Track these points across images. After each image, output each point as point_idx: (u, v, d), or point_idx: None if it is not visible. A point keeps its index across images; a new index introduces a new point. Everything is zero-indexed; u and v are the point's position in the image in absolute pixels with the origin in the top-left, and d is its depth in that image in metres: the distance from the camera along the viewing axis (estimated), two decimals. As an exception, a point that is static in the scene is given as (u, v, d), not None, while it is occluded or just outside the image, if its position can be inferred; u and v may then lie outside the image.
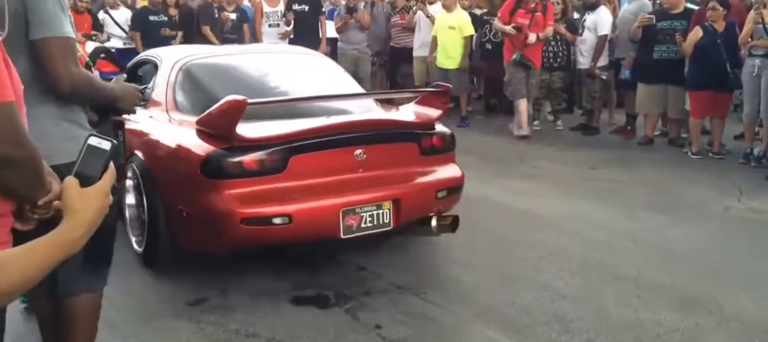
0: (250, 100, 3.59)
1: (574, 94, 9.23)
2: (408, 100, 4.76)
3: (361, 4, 10.04)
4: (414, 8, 9.62)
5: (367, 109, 4.50)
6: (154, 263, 4.16)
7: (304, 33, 9.31)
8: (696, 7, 7.61)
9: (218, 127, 3.72)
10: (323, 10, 9.77)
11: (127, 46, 9.11)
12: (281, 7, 9.74)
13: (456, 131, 8.28)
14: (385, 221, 3.88)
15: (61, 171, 1.37)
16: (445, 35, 8.82)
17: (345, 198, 3.76)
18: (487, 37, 9.22)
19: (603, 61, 8.15)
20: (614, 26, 8.19)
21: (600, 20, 8.03)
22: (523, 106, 8.11)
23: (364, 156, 3.87)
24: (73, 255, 1.26)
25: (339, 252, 4.41)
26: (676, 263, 4.26)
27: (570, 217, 5.19)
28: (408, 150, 4.07)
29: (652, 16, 7.49)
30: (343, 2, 10.36)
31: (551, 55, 8.35)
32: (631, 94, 7.96)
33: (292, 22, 9.43)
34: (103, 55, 6.86)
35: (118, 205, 2.52)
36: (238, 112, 3.58)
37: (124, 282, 3.83)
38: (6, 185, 1.54)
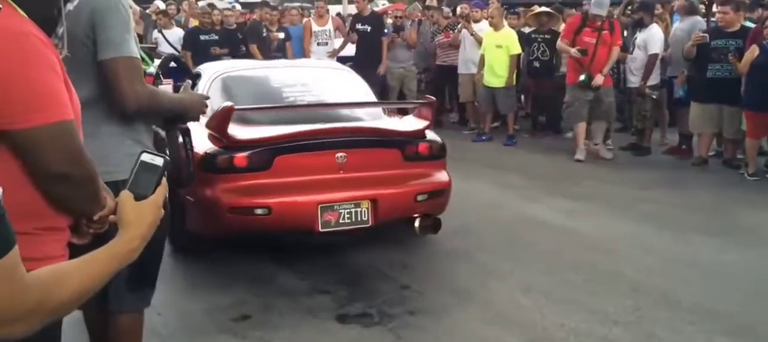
0: (237, 107, 4.18)
1: (624, 113, 9.07)
2: (410, 111, 5.16)
3: (408, 23, 10.08)
4: (459, 26, 9.64)
5: (371, 117, 4.81)
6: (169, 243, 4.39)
7: (366, 52, 9.54)
8: (752, 25, 7.39)
9: (215, 129, 4.20)
10: (385, 30, 9.94)
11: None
12: (330, 26, 9.93)
13: (503, 150, 8.43)
14: (364, 219, 4.25)
15: (120, 187, 1.40)
16: (492, 54, 8.78)
17: (324, 195, 4.19)
18: (534, 56, 9.13)
19: (654, 79, 7.95)
20: (666, 44, 8.01)
21: (651, 38, 7.86)
22: (581, 129, 7.83)
23: (345, 159, 4.26)
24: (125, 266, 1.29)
25: (383, 270, 4.40)
26: (731, 289, 4.11)
27: (620, 238, 5.07)
28: (390, 155, 4.43)
29: (706, 34, 7.31)
30: (390, 21, 10.43)
31: (599, 73, 8.22)
32: (685, 112, 7.75)
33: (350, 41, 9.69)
34: (173, 64, 7.15)
35: (168, 221, 2.57)
36: (227, 116, 4.10)
37: (169, 296, 3.89)
38: (64, 201, 1.58)
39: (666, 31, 8.33)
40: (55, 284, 1.14)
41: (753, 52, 6.73)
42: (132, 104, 2.24)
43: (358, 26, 9.74)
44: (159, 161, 1.35)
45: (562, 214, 5.73)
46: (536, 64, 9.13)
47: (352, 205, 4.20)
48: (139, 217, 1.30)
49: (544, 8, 9.37)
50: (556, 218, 5.58)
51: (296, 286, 4.19)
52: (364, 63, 9.01)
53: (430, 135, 4.66)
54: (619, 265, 4.51)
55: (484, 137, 9.12)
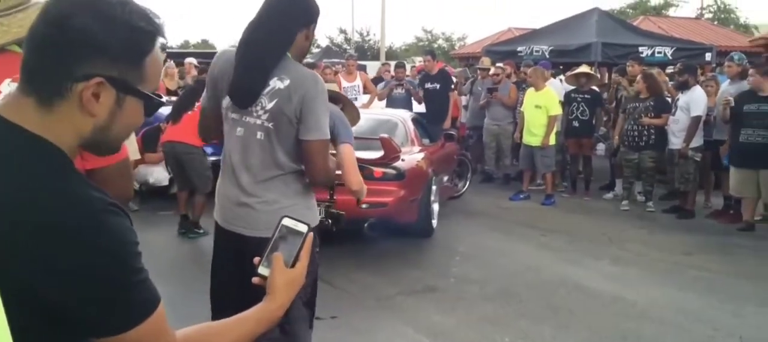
0: None
1: (666, 174, 8.90)
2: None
3: (507, 83, 9.99)
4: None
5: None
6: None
7: (434, 108, 9.78)
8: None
9: None
10: (453, 87, 10.12)
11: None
12: (358, 82, 10.16)
13: (541, 209, 8.30)
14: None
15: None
16: (531, 113, 8.76)
17: None
18: (574, 115, 9.07)
19: (697, 141, 7.80)
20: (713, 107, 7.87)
21: (693, 100, 7.73)
22: None
23: None
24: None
25: (415, 335, 4.31)
26: (788, 365, 3.91)
27: (666, 307, 4.89)
28: None
29: (730, 98, 7.20)
30: (470, 76, 10.60)
31: (635, 134, 8.10)
32: (728, 176, 7.56)
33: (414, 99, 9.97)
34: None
35: (314, 285, 2.76)
36: None
37: None
38: None
39: (715, 94, 8.15)
40: None
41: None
42: (323, 179, 2.66)
43: (427, 85, 9.96)
44: (303, 227, 1.33)
45: (604, 278, 5.57)
46: (575, 123, 9.06)
47: None
48: (288, 284, 1.29)
49: (583, 68, 9.33)
50: (599, 283, 5.43)
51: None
52: (434, 119, 9.42)
53: (397, 163, 6.14)
54: (666, 335, 4.34)
55: (521, 196, 9.00)
